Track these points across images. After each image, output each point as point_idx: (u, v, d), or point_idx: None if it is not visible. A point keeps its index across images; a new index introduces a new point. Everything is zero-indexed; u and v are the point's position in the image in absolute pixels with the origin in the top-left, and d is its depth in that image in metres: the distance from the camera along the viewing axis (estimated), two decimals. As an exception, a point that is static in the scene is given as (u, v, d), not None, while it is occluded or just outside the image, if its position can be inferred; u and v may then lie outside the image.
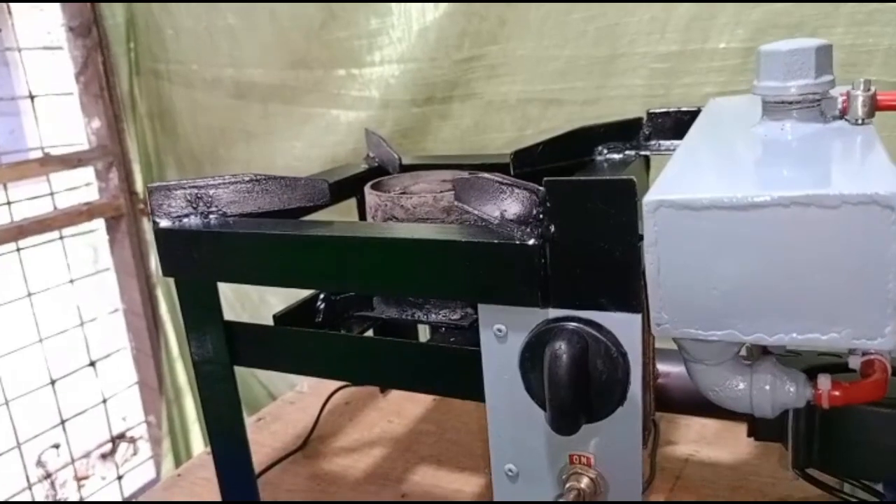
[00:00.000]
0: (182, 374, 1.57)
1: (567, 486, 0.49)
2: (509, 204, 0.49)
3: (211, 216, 0.61)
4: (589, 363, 0.45)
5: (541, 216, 0.46)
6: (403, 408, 0.91)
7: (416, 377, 0.55)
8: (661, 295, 0.42)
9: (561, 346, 0.43)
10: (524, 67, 0.99)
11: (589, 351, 0.45)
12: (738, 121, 0.59)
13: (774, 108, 0.51)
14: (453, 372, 0.53)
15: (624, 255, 0.44)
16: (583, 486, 0.49)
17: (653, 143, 0.75)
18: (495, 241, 0.47)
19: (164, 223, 0.60)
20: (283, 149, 1.24)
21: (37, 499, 1.46)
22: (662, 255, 0.41)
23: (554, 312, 0.47)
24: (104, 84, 1.36)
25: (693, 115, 0.72)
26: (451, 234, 0.50)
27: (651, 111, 0.74)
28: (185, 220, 0.60)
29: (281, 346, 0.61)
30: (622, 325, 0.45)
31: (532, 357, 0.47)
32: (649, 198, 0.41)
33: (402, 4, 1.04)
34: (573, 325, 0.45)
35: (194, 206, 0.60)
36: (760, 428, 0.56)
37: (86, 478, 1.72)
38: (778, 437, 0.56)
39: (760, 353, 0.48)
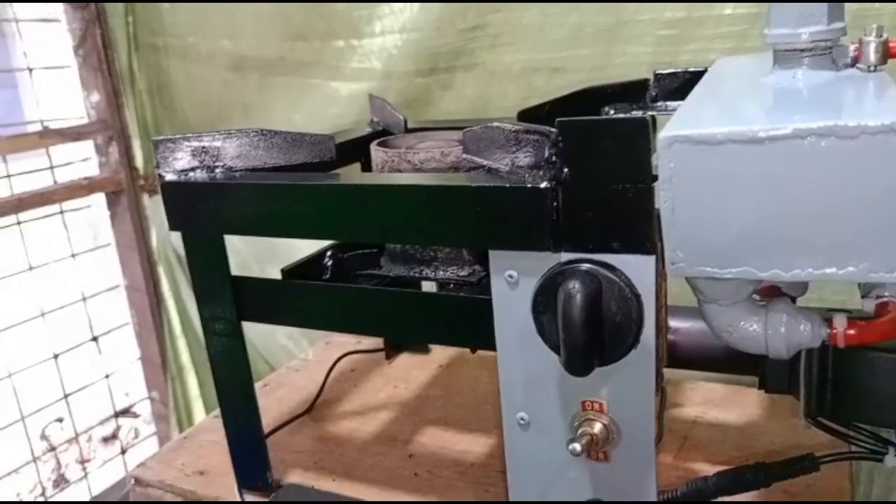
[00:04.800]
0: (185, 352, 1.56)
1: (579, 431, 0.49)
2: (521, 150, 0.49)
3: (216, 170, 0.60)
4: (603, 304, 0.45)
5: (553, 159, 0.46)
6: (409, 374, 0.91)
7: (427, 328, 0.55)
8: (675, 233, 0.42)
9: (575, 286, 0.43)
10: (528, 36, 0.98)
11: (603, 292, 0.45)
12: (746, 74, 0.59)
13: (786, 56, 0.51)
14: (464, 321, 0.53)
15: (637, 196, 0.44)
16: (595, 431, 0.49)
17: (659, 104, 0.75)
18: (507, 186, 0.47)
19: (170, 177, 0.60)
20: (282, 122, 1.23)
21: (42, 473, 1.46)
22: (677, 193, 0.41)
23: (566, 256, 0.47)
24: (103, 57, 1.34)
25: (700, 76, 0.72)
26: (463, 180, 0.50)
27: (658, 72, 0.74)
28: (191, 174, 0.60)
29: (290, 301, 0.61)
30: (636, 268, 0.45)
31: (545, 300, 0.46)
32: (664, 134, 0.40)
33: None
34: (586, 266, 0.45)
35: (200, 159, 0.60)
36: (770, 379, 0.56)
37: (88, 461, 1.72)
38: (788, 389, 0.56)
39: (775, 295, 0.48)
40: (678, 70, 0.73)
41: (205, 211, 0.59)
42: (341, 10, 1.11)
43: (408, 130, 0.78)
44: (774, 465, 0.53)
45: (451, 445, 0.75)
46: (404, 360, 0.96)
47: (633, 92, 0.74)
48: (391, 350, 0.96)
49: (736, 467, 0.55)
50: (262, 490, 0.68)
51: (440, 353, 0.96)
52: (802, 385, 0.53)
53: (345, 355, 0.94)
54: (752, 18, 0.88)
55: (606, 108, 0.75)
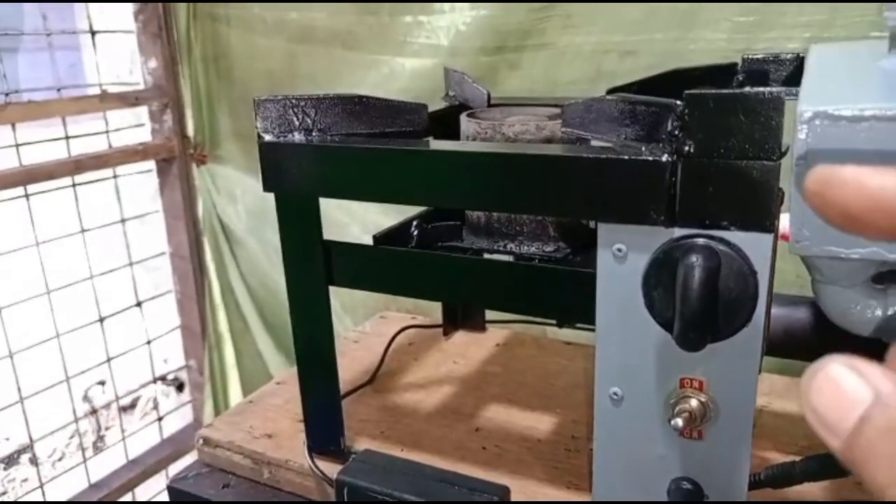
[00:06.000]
0: (223, 321, 1.58)
1: (677, 409, 0.49)
2: (636, 123, 0.48)
3: (313, 133, 0.61)
4: (720, 280, 0.45)
5: (677, 133, 0.45)
6: (467, 350, 0.91)
7: (524, 299, 0.55)
8: (803, 210, 0.42)
9: (697, 259, 0.43)
10: (602, 17, 0.97)
11: (721, 267, 0.44)
12: (855, 59, 0.58)
13: (906, 40, 0.50)
14: (565, 293, 0.53)
15: (762, 174, 0.44)
16: (693, 407, 0.49)
17: (747, 89, 0.74)
18: (626, 158, 0.47)
19: (269, 137, 0.60)
20: (343, 95, 1.23)
21: (83, 432, 1.48)
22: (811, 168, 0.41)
23: (679, 232, 0.47)
24: (162, 24, 1.35)
25: (791, 61, 0.71)
26: (577, 150, 0.50)
27: (746, 56, 0.73)
28: (289, 136, 0.60)
29: (380, 266, 0.61)
30: (752, 245, 0.45)
31: (658, 273, 0.46)
32: (804, 107, 0.40)
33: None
34: (703, 240, 0.45)
35: (298, 120, 0.60)
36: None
37: (108, 428, 1.75)
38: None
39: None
40: (768, 55, 0.72)
41: (301, 173, 0.59)
42: (412, -15, 1.11)
43: (490, 105, 0.78)
44: (868, 453, 0.53)
45: (517, 421, 0.75)
46: (461, 337, 0.96)
47: (719, 75, 0.73)
48: (449, 327, 0.96)
49: (825, 453, 0.55)
50: (333, 455, 0.69)
51: (496, 333, 0.97)
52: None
53: (404, 329, 0.95)
54: (833, 8, 0.87)
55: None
